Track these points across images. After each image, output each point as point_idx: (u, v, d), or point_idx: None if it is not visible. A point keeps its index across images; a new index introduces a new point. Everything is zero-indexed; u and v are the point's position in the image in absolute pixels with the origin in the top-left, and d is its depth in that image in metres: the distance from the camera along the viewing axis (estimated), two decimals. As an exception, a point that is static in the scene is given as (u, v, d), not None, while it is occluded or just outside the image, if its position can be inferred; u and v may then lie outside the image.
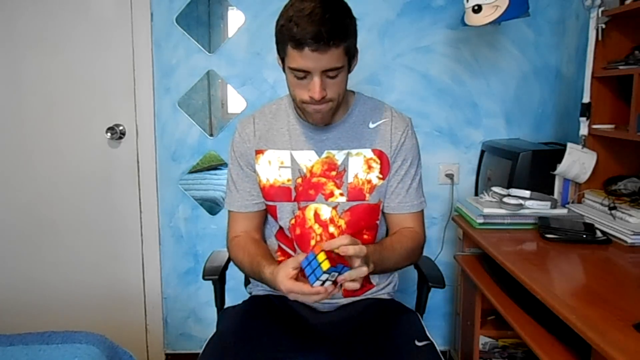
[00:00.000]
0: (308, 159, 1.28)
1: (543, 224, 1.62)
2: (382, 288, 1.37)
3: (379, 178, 1.28)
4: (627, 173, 1.74)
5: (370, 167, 1.27)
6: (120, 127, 2.15)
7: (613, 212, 1.59)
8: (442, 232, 2.21)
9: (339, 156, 1.27)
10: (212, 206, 2.21)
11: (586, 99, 1.75)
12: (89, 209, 2.21)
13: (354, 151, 1.27)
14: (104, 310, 2.25)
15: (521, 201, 1.70)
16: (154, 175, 2.19)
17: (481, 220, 1.72)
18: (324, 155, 1.27)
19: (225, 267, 1.53)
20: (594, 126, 1.74)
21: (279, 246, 1.37)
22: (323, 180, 1.27)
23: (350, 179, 1.27)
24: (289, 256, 1.31)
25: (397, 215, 1.31)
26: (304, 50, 1.08)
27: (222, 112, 2.71)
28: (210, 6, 2.91)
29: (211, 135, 2.24)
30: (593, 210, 1.68)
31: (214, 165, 2.66)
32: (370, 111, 1.30)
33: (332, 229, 1.28)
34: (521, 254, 1.53)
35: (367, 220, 1.30)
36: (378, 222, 1.33)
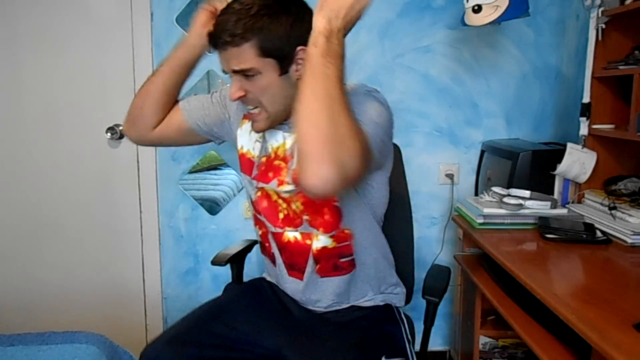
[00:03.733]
0: (275, 139, 1.22)
1: (543, 224, 1.62)
2: (380, 293, 1.33)
3: None
4: (627, 173, 1.74)
5: None
6: (120, 127, 2.14)
7: (613, 212, 1.59)
8: (442, 232, 2.21)
9: (289, 140, 1.19)
10: (212, 206, 2.21)
11: (586, 99, 1.75)
12: (89, 209, 2.21)
13: None
14: (104, 310, 2.24)
15: (521, 201, 1.70)
16: (154, 175, 2.19)
17: (481, 220, 1.72)
18: (284, 141, 1.21)
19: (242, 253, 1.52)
20: (594, 126, 1.74)
21: (254, 215, 1.34)
22: (283, 165, 1.21)
23: (294, 165, 1.15)
24: (264, 225, 1.29)
25: None
26: (216, 50, 1.07)
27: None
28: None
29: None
30: (593, 210, 1.68)
31: (214, 165, 2.66)
32: None
33: (293, 206, 1.21)
34: (521, 254, 1.53)
35: (320, 201, 1.18)
36: (337, 203, 1.19)
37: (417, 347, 1.35)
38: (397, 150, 1.56)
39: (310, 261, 1.24)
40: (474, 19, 1.73)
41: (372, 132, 1.02)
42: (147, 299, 2.27)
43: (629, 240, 1.48)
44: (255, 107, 1.12)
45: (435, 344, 2.21)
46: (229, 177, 2.32)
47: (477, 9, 1.70)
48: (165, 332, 1.28)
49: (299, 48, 1.06)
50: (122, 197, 2.20)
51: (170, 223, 2.23)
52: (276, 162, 1.21)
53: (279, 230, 1.26)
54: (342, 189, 0.96)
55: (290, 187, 1.20)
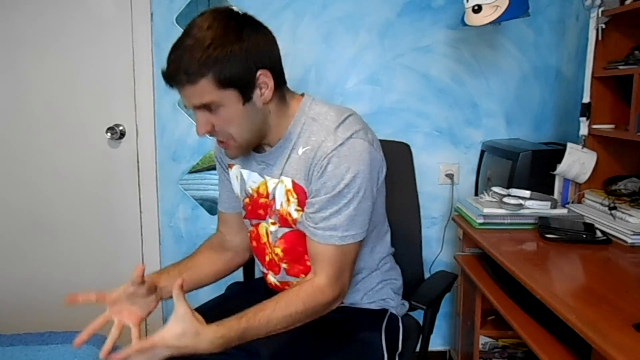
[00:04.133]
0: (252, 180, 1.22)
1: (543, 224, 1.62)
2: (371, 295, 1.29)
3: (297, 210, 1.14)
4: (627, 173, 1.74)
5: (288, 200, 1.15)
6: (120, 127, 2.15)
7: (613, 212, 1.58)
8: (442, 232, 2.21)
9: (270, 183, 1.18)
10: (212, 206, 2.21)
11: (586, 99, 1.75)
12: (89, 209, 2.21)
13: (279, 179, 1.15)
14: (104, 310, 2.24)
15: (521, 201, 1.70)
16: (154, 175, 2.19)
17: (481, 220, 1.72)
18: (262, 180, 1.20)
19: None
20: (594, 126, 1.74)
21: None
22: (271, 202, 1.21)
23: (278, 207, 1.17)
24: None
25: (311, 243, 1.11)
26: (173, 89, 1.03)
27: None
28: (210, 6, 2.91)
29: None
30: (593, 210, 1.68)
31: (214, 165, 2.66)
32: (307, 131, 1.11)
33: (276, 250, 1.23)
34: (521, 254, 1.53)
35: (303, 246, 1.17)
36: None
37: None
38: (407, 149, 1.55)
39: None
40: (474, 19, 1.73)
41: (354, 211, 1.08)
42: (147, 299, 2.26)
43: (629, 240, 1.48)
44: (225, 138, 1.10)
45: (435, 344, 2.21)
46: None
47: (477, 9, 1.70)
48: None
49: (258, 73, 1.03)
50: (122, 197, 2.20)
51: (170, 223, 2.23)
52: (262, 200, 1.21)
53: (265, 270, 1.29)
54: (343, 292, 1.14)
55: (275, 228, 1.20)
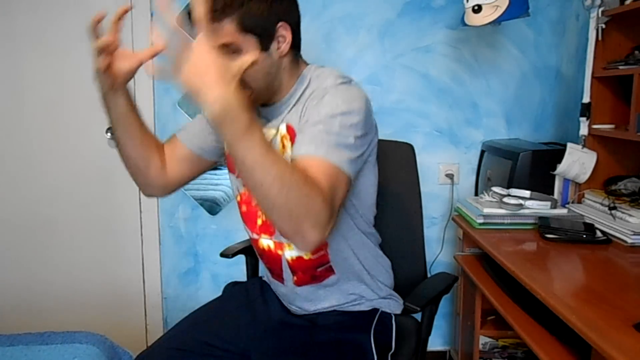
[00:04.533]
0: None
1: (543, 224, 1.62)
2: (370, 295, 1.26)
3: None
4: (627, 173, 1.74)
5: (284, 146, 1.12)
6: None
7: (613, 212, 1.59)
8: (442, 232, 2.21)
9: (268, 135, 1.11)
10: (212, 206, 2.21)
11: (586, 99, 1.75)
12: (89, 209, 2.21)
13: (277, 130, 1.14)
14: (104, 310, 2.25)
15: (521, 201, 1.70)
16: (154, 175, 2.19)
17: (481, 220, 1.72)
18: (270, 135, 1.15)
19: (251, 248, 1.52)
20: (594, 126, 1.74)
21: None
22: None
23: None
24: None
25: (295, 164, 0.95)
26: (195, 26, 0.94)
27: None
28: (210, 6, 2.91)
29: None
30: (593, 210, 1.68)
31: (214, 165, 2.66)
32: (312, 86, 1.13)
33: None
34: (521, 254, 1.53)
35: None
36: None
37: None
38: (410, 149, 1.53)
39: (288, 271, 1.21)
40: (474, 19, 1.73)
41: (343, 141, 0.98)
42: (147, 299, 2.27)
43: (629, 240, 1.48)
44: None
45: (435, 344, 2.22)
46: (229, 177, 2.32)
47: (477, 9, 1.70)
48: (157, 340, 1.28)
49: (279, 24, 1.06)
50: (122, 197, 2.20)
51: (170, 223, 2.23)
52: None
53: (255, 236, 1.25)
54: (329, 230, 0.92)
55: None
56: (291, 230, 0.88)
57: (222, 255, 1.53)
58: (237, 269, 1.59)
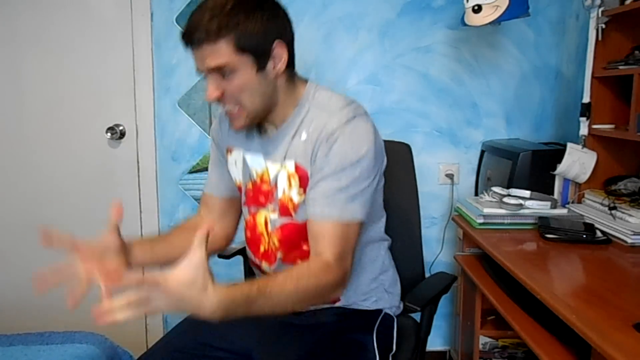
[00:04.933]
0: (258, 163, 1.19)
1: (543, 224, 1.62)
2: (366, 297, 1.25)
3: (299, 195, 1.13)
4: (627, 173, 1.74)
5: (290, 184, 1.13)
6: (120, 127, 2.15)
7: (613, 212, 1.58)
8: (442, 232, 2.21)
9: (272, 170, 1.16)
10: (212, 206, 2.22)
11: (586, 99, 1.75)
12: (89, 209, 2.20)
13: (282, 164, 1.14)
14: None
15: (521, 201, 1.70)
16: (154, 175, 2.19)
17: (481, 220, 1.72)
18: (265, 167, 1.18)
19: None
20: (594, 126, 1.74)
21: None
22: (273, 190, 1.18)
23: (280, 195, 1.15)
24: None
25: (311, 224, 1.07)
26: (189, 48, 1.03)
27: (222, 112, 2.72)
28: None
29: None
30: (593, 210, 1.68)
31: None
32: (310, 116, 1.12)
33: (272, 240, 1.20)
34: (521, 254, 1.53)
35: (300, 236, 1.15)
36: None
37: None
38: (407, 149, 1.54)
39: None
40: (474, 19, 1.73)
41: (354, 192, 1.07)
42: (147, 299, 2.26)
43: (629, 240, 1.48)
44: (234, 106, 1.09)
45: (435, 344, 2.21)
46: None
47: (477, 9, 1.70)
48: (158, 341, 1.27)
49: (275, 43, 1.05)
50: (122, 197, 2.20)
51: (170, 223, 2.23)
52: (264, 187, 1.18)
53: (257, 261, 1.25)
54: (349, 277, 1.10)
55: (275, 216, 1.18)
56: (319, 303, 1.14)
57: (220, 256, 1.54)
58: (236, 269, 1.59)
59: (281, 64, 1.07)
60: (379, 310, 1.26)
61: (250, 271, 1.56)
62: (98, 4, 2.09)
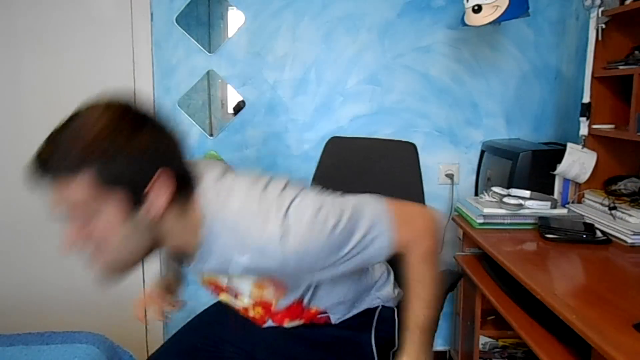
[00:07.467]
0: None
1: (543, 224, 1.62)
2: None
3: (262, 287, 1.04)
4: (627, 173, 1.74)
5: (261, 287, 1.04)
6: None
7: (613, 212, 1.58)
8: (442, 232, 2.21)
9: (221, 279, 1.05)
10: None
11: (586, 99, 1.75)
12: (89, 209, 2.21)
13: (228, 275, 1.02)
14: (104, 310, 2.24)
15: (521, 201, 1.70)
16: (154, 175, 2.19)
17: (481, 220, 1.72)
18: (205, 276, 1.08)
19: None
20: (594, 126, 1.74)
21: None
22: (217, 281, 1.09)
23: (247, 300, 1.08)
24: None
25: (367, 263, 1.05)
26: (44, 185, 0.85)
27: (222, 112, 2.71)
28: (210, 6, 2.91)
29: (211, 135, 2.24)
30: (593, 210, 1.68)
31: (214, 165, 2.66)
32: (228, 245, 0.89)
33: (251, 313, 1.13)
34: (521, 254, 1.53)
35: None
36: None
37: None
38: (412, 149, 1.50)
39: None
40: (474, 19, 1.73)
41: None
42: (147, 299, 2.26)
43: (629, 240, 1.48)
44: (93, 251, 0.88)
45: (436, 344, 2.21)
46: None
47: (477, 9, 1.70)
48: (164, 344, 1.28)
49: (157, 173, 0.81)
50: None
51: (170, 223, 2.23)
52: (221, 284, 1.09)
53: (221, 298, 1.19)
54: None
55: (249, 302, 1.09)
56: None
57: None
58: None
59: (160, 201, 0.82)
60: (375, 307, 1.21)
61: None
62: (98, 4, 2.09)
